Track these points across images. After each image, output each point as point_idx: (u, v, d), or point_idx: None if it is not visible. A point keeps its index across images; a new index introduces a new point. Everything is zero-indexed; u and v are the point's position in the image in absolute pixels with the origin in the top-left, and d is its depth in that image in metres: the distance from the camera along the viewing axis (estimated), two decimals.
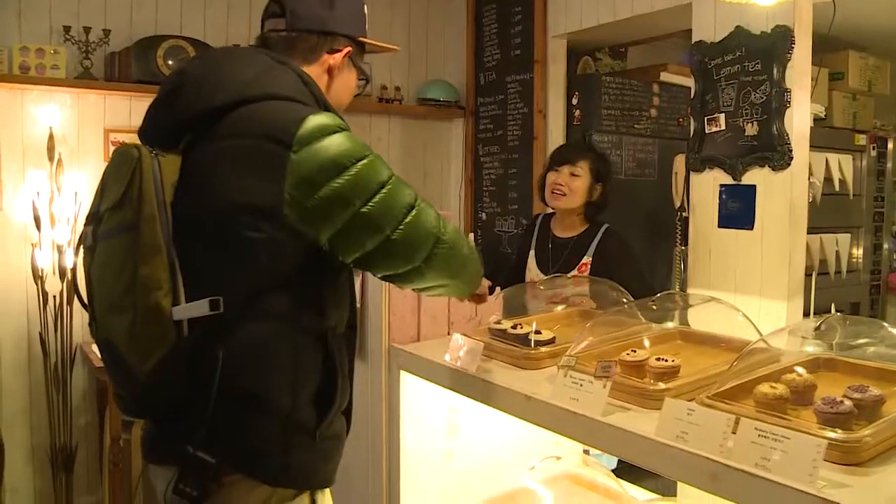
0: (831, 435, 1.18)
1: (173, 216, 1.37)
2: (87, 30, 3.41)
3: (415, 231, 1.38)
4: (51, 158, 3.38)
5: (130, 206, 1.34)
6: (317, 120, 1.36)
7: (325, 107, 1.47)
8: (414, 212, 1.38)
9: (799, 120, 2.76)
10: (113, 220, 1.37)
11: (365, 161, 1.35)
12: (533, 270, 2.95)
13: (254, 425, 1.38)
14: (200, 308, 1.33)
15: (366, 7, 1.65)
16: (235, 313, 1.35)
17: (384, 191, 1.36)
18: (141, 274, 1.32)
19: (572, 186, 2.81)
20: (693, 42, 3.05)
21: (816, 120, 3.75)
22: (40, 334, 3.37)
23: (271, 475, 1.39)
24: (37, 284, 3.34)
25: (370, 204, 1.34)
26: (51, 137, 3.38)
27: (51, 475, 3.45)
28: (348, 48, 1.58)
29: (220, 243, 1.37)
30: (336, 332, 1.50)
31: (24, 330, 3.44)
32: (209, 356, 1.34)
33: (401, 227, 1.37)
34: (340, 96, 1.63)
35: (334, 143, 1.34)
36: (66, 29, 3.40)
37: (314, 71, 1.54)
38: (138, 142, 1.46)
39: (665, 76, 4.11)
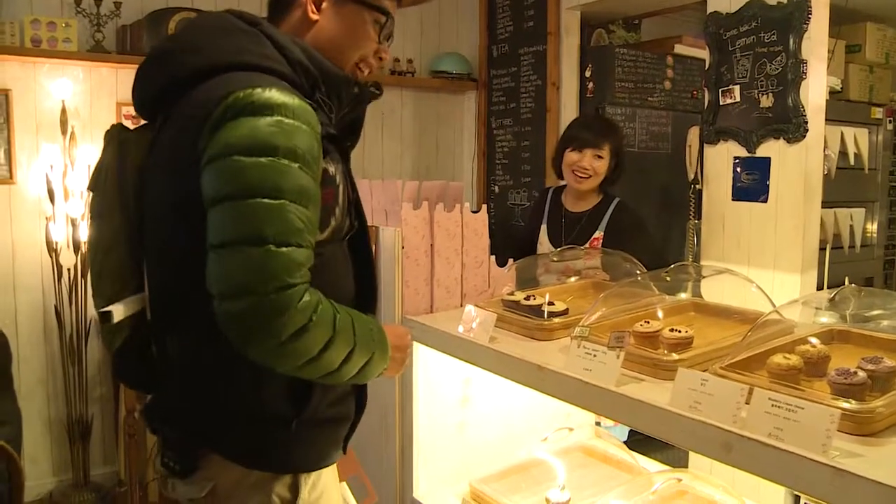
0: (845, 405, 1.19)
1: (139, 203, 1.38)
2: (98, 2, 3.40)
3: (242, 263, 1.14)
4: (64, 132, 3.39)
5: (100, 191, 1.41)
6: (246, 95, 1.19)
7: (304, 68, 1.33)
8: (258, 249, 1.14)
9: (815, 92, 2.72)
10: (92, 205, 1.44)
11: (264, 160, 1.16)
12: (545, 245, 2.94)
13: (218, 412, 1.32)
14: (133, 305, 1.38)
15: None
16: (191, 304, 1.27)
17: (257, 201, 1.15)
18: (105, 265, 1.41)
19: (596, 167, 2.75)
20: (708, 13, 3.02)
21: (832, 93, 3.71)
22: (55, 307, 3.40)
23: (243, 458, 1.32)
24: (51, 257, 3.36)
25: (234, 201, 1.15)
26: (63, 111, 3.39)
27: (68, 445, 3.50)
28: None
29: (168, 233, 1.31)
30: None
31: (40, 303, 3.47)
32: (170, 344, 1.34)
33: (233, 247, 1.15)
34: (345, 40, 1.44)
35: (247, 126, 1.17)
36: (77, 2, 3.39)
37: (292, 24, 1.41)
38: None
39: (679, 48, 4.07)
